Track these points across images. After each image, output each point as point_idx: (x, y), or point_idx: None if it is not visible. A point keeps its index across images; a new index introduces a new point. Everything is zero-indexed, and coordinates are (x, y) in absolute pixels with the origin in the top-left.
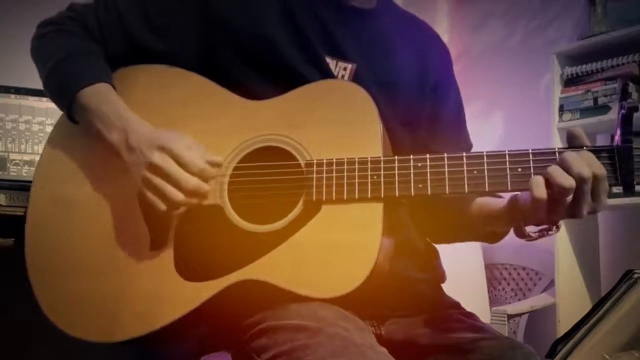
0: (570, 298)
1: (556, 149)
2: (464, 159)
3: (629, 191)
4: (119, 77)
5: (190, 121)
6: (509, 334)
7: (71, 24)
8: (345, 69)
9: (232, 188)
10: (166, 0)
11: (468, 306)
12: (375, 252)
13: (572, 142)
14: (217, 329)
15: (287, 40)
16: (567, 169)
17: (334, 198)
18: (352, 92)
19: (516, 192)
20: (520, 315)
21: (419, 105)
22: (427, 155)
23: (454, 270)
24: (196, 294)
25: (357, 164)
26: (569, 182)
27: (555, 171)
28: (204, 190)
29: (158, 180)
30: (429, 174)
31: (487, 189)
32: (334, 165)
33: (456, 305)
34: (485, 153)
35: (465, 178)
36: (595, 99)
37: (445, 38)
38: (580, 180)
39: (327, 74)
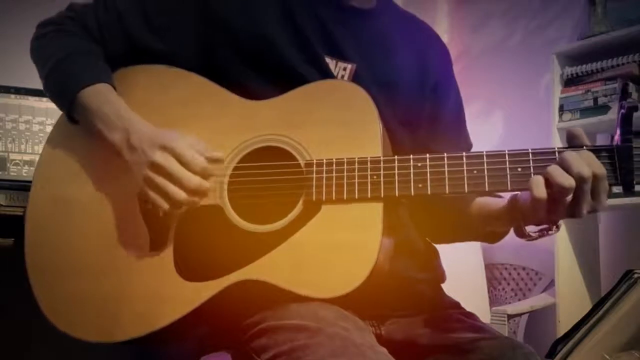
0: (570, 298)
1: (556, 149)
2: (464, 158)
3: (628, 191)
4: (119, 78)
5: (190, 121)
6: (509, 334)
7: (71, 24)
8: (344, 69)
9: (231, 188)
10: (165, 0)
11: (468, 306)
12: (375, 252)
13: (572, 142)
14: (217, 329)
15: (286, 40)
16: (566, 169)
17: (333, 198)
18: (352, 92)
19: (516, 192)
20: (520, 315)
21: (419, 105)
22: (427, 155)
23: (454, 270)
24: (196, 294)
25: (356, 163)
26: (568, 181)
27: (555, 171)
28: (204, 188)
29: (160, 179)
30: (428, 174)
31: (487, 189)
32: (334, 165)
33: (456, 305)
34: (485, 153)
35: (465, 178)
36: (595, 99)
37: (445, 38)
38: (580, 180)
39: (326, 74)
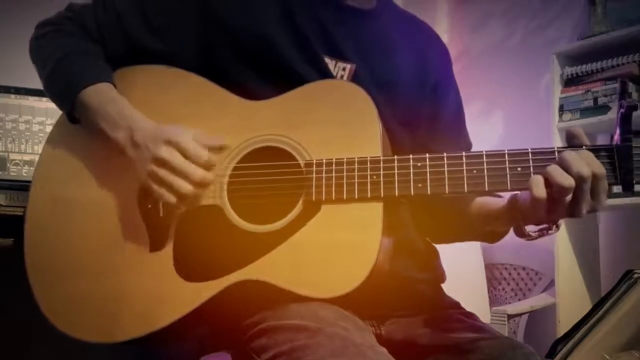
0: (570, 298)
1: (555, 149)
2: (464, 158)
3: (628, 190)
4: (118, 78)
5: (190, 121)
6: (509, 334)
7: (70, 24)
8: (344, 69)
9: (231, 188)
10: (165, 0)
11: (468, 306)
12: (375, 252)
13: (572, 142)
14: (217, 329)
15: (286, 40)
16: (566, 168)
17: (333, 198)
18: (352, 92)
19: (516, 192)
20: (520, 315)
21: (419, 105)
22: (427, 155)
23: (454, 270)
24: (196, 294)
25: (356, 163)
26: (568, 181)
27: (555, 170)
28: (208, 180)
29: (166, 174)
30: (428, 174)
31: (486, 189)
32: (334, 165)
33: (456, 305)
34: (484, 152)
35: (465, 177)
36: (595, 99)
37: (445, 38)
38: (579, 180)
39: (326, 74)
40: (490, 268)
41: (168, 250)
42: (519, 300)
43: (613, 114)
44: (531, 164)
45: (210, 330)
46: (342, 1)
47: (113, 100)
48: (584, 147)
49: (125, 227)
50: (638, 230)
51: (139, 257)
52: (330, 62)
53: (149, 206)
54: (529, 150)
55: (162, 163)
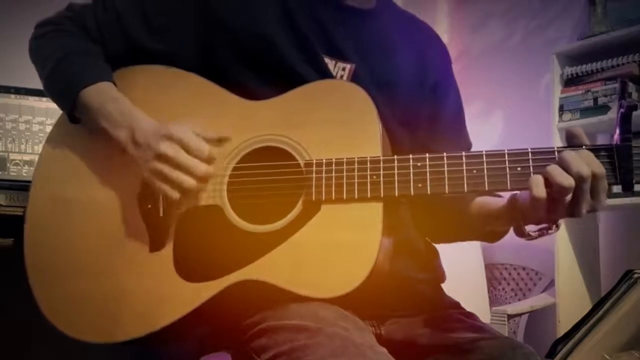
0: (570, 298)
1: (555, 148)
2: (464, 158)
3: (628, 190)
4: (118, 78)
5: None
6: (509, 334)
7: (69, 24)
8: (344, 69)
9: (231, 188)
10: (165, 0)
11: (468, 306)
12: (375, 252)
13: (571, 141)
14: (217, 329)
15: (286, 40)
16: (566, 168)
17: (333, 198)
18: (351, 92)
19: (515, 192)
20: (520, 315)
21: (418, 105)
22: (427, 155)
23: (454, 270)
24: (196, 294)
25: (356, 163)
26: (568, 181)
27: (555, 170)
28: (210, 174)
29: (169, 169)
30: (428, 174)
31: (486, 188)
32: (333, 165)
33: (456, 305)
34: (484, 152)
35: (465, 177)
36: (595, 99)
37: (445, 38)
38: (579, 179)
39: (325, 74)
40: (490, 268)
41: (168, 250)
42: (519, 300)
43: (613, 114)
44: (531, 163)
45: (210, 330)
46: (342, 1)
47: (114, 99)
48: (583, 146)
49: (125, 227)
50: (638, 230)
51: (139, 257)
52: (330, 62)
53: (149, 206)
54: (529, 150)
55: (165, 159)
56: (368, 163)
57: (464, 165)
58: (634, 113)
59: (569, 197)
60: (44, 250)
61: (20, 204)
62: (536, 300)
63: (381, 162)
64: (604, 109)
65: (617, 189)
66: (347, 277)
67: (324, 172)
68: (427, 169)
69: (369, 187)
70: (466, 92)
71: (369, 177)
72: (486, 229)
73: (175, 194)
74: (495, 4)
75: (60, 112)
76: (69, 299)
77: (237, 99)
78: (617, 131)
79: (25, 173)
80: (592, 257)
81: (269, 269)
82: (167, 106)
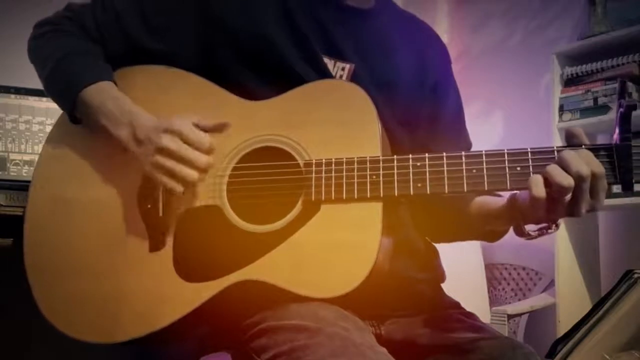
0: (570, 298)
1: (554, 148)
2: (463, 158)
3: (627, 189)
4: (118, 78)
5: None
6: (509, 334)
7: (68, 24)
8: (343, 69)
9: (231, 188)
10: (164, 0)
11: (468, 306)
12: (374, 252)
13: (571, 141)
14: (217, 329)
15: (286, 40)
16: (565, 168)
17: (333, 198)
18: (351, 92)
19: (515, 191)
20: (520, 315)
21: (418, 105)
22: (426, 155)
23: (454, 270)
24: (196, 294)
25: (355, 163)
26: (567, 180)
27: (554, 170)
28: (211, 165)
29: (171, 163)
30: (427, 173)
31: (486, 188)
32: (333, 165)
33: (456, 305)
34: (484, 152)
35: (465, 177)
36: (595, 99)
37: (445, 38)
38: (578, 179)
39: (325, 74)
40: (490, 268)
41: (168, 250)
42: (519, 300)
43: (613, 114)
44: (530, 163)
45: (210, 330)
46: (342, 1)
47: (114, 97)
48: (583, 146)
49: (125, 227)
50: (638, 230)
51: (139, 257)
52: (329, 62)
53: (149, 206)
54: (529, 149)
55: (167, 153)
56: (367, 163)
57: (464, 165)
58: (634, 113)
59: (568, 196)
60: (44, 250)
61: (20, 204)
62: (536, 300)
63: (381, 162)
64: (604, 109)
65: (616, 188)
66: (347, 277)
67: (323, 172)
68: (427, 169)
69: (368, 187)
70: (466, 92)
71: (368, 177)
72: (486, 228)
73: (179, 188)
74: (495, 4)
75: (60, 112)
76: (68, 299)
77: (237, 99)
78: (617, 131)
79: (25, 173)
80: (592, 257)
81: (269, 269)
82: (167, 106)
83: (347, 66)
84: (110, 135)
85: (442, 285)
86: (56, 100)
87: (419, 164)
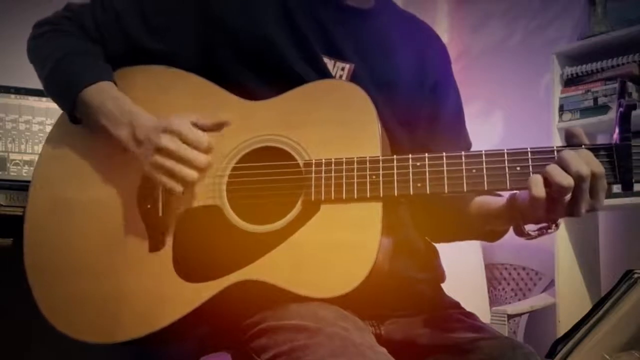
0: (570, 298)
1: (554, 148)
2: (463, 158)
3: (627, 189)
4: (118, 78)
5: None
6: (509, 334)
7: (68, 24)
8: (343, 69)
9: (230, 188)
10: (164, 0)
11: (468, 306)
12: (374, 252)
13: (571, 141)
14: (217, 329)
15: (285, 40)
16: (565, 168)
17: (332, 198)
18: (351, 92)
19: (515, 191)
20: (520, 315)
21: (418, 105)
22: (426, 155)
23: (454, 270)
24: (196, 294)
25: (355, 163)
26: (567, 180)
27: (554, 170)
28: (210, 164)
29: (170, 163)
30: (427, 173)
31: (486, 188)
32: (333, 165)
33: (456, 305)
34: (484, 152)
35: (464, 177)
36: (595, 99)
37: (445, 38)
38: (578, 179)
39: (325, 74)
40: (490, 268)
41: (168, 250)
42: (519, 300)
43: (613, 114)
44: (530, 163)
45: (210, 330)
46: (342, 1)
47: (114, 97)
48: (583, 146)
49: (125, 227)
50: (638, 230)
51: (139, 257)
52: (329, 62)
53: (148, 206)
54: (528, 149)
55: (166, 152)
56: (367, 163)
57: (464, 165)
58: (634, 113)
59: (568, 196)
60: (44, 250)
61: (20, 204)
62: (536, 300)
63: (380, 162)
64: (604, 109)
65: (616, 188)
66: (347, 277)
67: (323, 172)
68: (427, 169)
69: (368, 187)
70: (466, 92)
71: (368, 177)
72: (486, 228)
73: (178, 187)
74: (495, 4)
75: (60, 112)
76: (68, 299)
77: (237, 99)
78: (617, 130)
79: (25, 173)
80: (592, 257)
81: (269, 269)
82: (166, 106)
83: (347, 66)
84: (110, 135)
85: (442, 285)
86: (56, 100)
87: (418, 164)
